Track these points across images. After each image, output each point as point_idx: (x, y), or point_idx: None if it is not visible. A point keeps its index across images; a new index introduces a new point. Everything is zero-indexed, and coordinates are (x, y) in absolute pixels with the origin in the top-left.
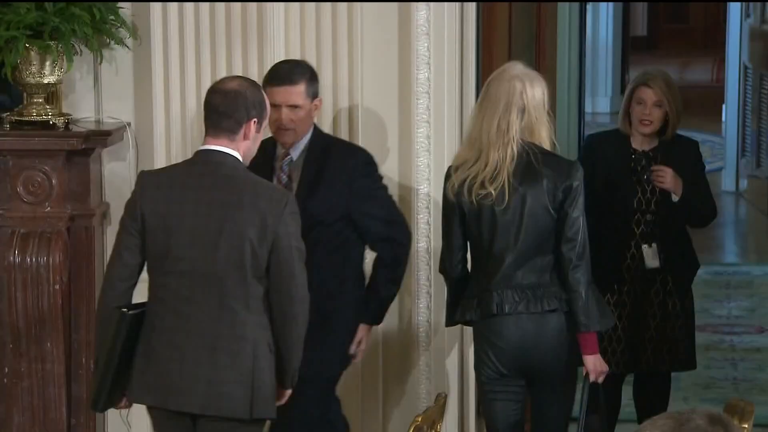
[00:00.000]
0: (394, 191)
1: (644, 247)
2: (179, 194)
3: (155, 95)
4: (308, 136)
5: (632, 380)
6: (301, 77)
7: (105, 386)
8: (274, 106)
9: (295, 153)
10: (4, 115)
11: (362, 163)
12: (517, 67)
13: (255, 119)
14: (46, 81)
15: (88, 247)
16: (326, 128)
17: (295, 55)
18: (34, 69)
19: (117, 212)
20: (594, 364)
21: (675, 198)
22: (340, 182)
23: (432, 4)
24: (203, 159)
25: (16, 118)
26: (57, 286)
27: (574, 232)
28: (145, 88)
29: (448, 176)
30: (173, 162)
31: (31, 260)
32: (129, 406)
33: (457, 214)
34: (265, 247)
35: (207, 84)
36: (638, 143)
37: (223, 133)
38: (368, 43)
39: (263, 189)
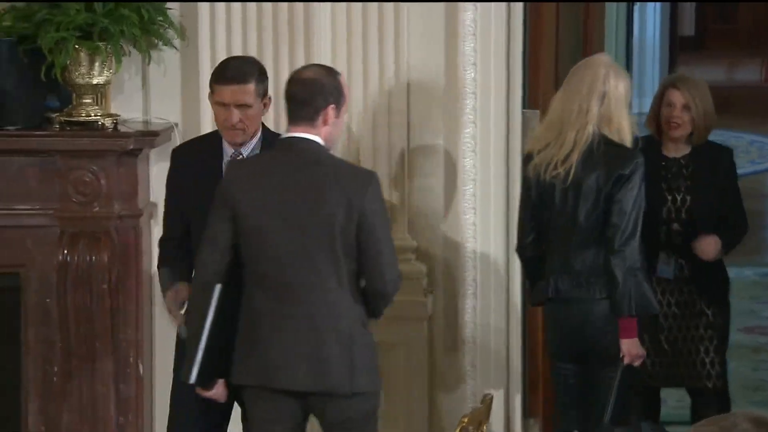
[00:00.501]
0: (439, 192)
1: (661, 255)
2: (267, 180)
3: (202, 96)
4: (258, 134)
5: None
6: (251, 76)
7: (195, 359)
8: (222, 104)
9: (246, 152)
10: (54, 115)
11: None
12: (605, 57)
13: (333, 105)
14: (95, 82)
15: (135, 246)
16: (372, 129)
17: (342, 56)
18: (83, 70)
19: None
20: (629, 348)
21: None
22: None
23: (479, 4)
24: (287, 146)
25: (66, 119)
26: (105, 286)
27: (619, 218)
28: (193, 88)
29: (529, 159)
30: None
31: (79, 260)
32: (222, 398)
33: (531, 195)
34: (352, 226)
35: None
36: (669, 150)
37: (303, 121)
38: (414, 44)
39: (347, 170)
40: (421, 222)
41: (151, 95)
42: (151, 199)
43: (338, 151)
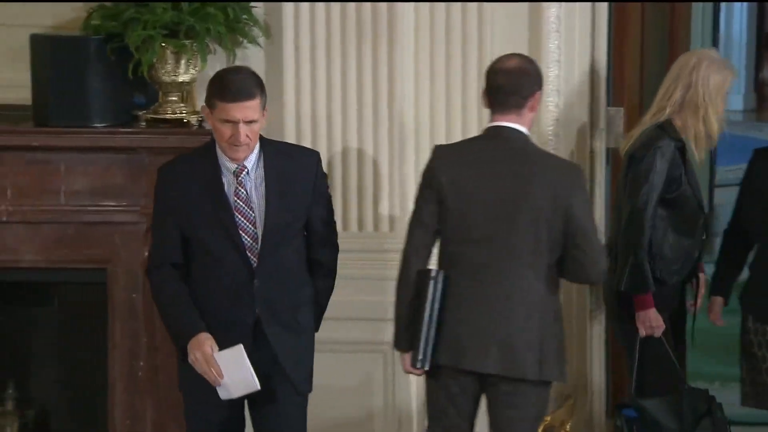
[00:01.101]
0: None
1: None
2: (475, 166)
3: (286, 93)
4: (257, 145)
5: None
6: (256, 89)
7: (420, 344)
8: (227, 122)
9: (250, 165)
10: (140, 113)
11: (319, 163)
12: (706, 51)
13: (539, 91)
14: (180, 79)
15: None
16: (456, 129)
17: (425, 55)
18: (169, 68)
19: None
20: (642, 321)
21: None
22: (305, 185)
23: (563, 3)
24: (494, 134)
25: (152, 116)
26: None
27: (629, 196)
28: (276, 86)
29: None
30: None
31: None
32: (422, 373)
33: None
34: (558, 219)
35: (337, 83)
36: None
37: (510, 110)
38: (498, 42)
39: (554, 162)
40: None
41: None
42: None
43: (424, 147)
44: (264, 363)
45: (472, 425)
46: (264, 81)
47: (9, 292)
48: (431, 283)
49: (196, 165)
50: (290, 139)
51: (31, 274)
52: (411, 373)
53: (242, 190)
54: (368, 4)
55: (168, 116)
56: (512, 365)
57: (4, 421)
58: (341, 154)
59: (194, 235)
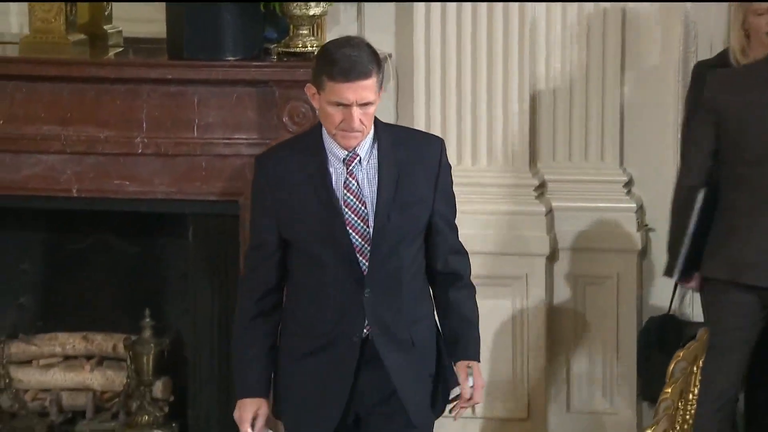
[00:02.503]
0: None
1: None
2: (749, 90)
3: (416, 27)
4: (371, 130)
5: None
6: (372, 67)
7: (679, 259)
8: (338, 104)
9: (363, 152)
10: (272, 46)
11: (443, 151)
12: None
13: None
14: (311, 13)
15: None
16: (577, 122)
17: (556, 23)
18: (300, 1)
19: None
20: None
21: None
22: (426, 177)
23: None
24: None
25: (283, 50)
26: None
27: None
28: (407, 19)
29: None
30: (432, 94)
31: None
32: (699, 288)
33: None
34: None
35: (467, 18)
36: None
37: None
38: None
39: None
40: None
41: (366, 26)
42: None
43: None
44: (375, 388)
45: (754, 340)
46: (394, 15)
47: (143, 223)
48: (692, 198)
49: (298, 153)
50: (419, 71)
51: (164, 205)
52: (688, 287)
53: (353, 181)
54: None
55: (299, 50)
56: None
57: (141, 348)
58: (470, 112)
59: (295, 236)
